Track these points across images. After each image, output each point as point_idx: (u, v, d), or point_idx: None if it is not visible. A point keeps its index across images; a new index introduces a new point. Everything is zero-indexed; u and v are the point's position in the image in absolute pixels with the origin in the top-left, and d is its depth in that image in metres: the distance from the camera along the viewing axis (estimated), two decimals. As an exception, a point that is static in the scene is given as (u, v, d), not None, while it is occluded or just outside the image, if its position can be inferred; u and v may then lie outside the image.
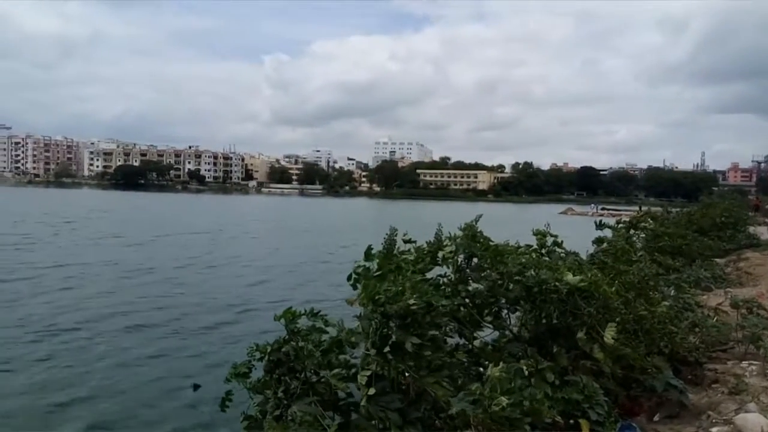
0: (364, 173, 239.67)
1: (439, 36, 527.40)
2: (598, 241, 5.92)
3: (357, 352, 2.90)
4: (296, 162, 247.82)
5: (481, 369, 3.37)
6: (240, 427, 2.92)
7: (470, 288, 3.64)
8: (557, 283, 3.47)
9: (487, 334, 3.63)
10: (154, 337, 12.85)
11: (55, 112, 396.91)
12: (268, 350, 2.83)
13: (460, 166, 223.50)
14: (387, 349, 2.54)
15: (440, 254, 3.70)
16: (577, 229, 15.94)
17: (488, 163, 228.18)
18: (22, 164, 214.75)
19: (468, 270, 3.69)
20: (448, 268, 3.65)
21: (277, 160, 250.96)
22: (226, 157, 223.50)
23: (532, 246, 4.37)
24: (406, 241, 3.68)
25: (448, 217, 4.41)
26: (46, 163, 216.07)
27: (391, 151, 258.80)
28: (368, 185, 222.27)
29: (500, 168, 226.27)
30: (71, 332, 12.71)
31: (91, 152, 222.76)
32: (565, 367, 3.35)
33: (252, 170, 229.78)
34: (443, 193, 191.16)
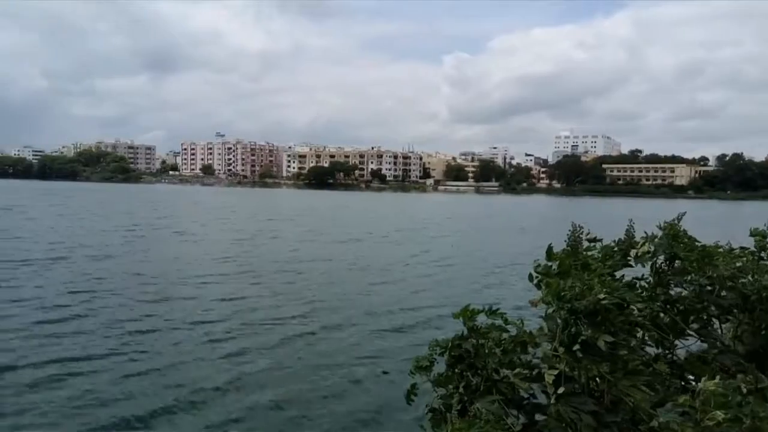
0: (543, 169, 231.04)
1: (633, 19, 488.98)
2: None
3: (540, 353, 2.78)
4: (472, 159, 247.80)
5: (683, 383, 3.02)
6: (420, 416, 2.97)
7: (672, 292, 3.26)
8: (783, 292, 2.97)
9: (691, 343, 3.24)
10: (357, 325, 13.84)
11: (259, 120, 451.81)
12: (448, 345, 2.84)
13: (653, 159, 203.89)
14: (576, 347, 2.39)
15: (632, 253, 3.38)
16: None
17: (687, 156, 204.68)
18: (233, 167, 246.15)
19: (669, 273, 3.32)
20: (644, 266, 3.32)
21: (454, 158, 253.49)
22: (405, 157, 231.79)
23: (747, 248, 3.79)
24: (590, 240, 3.43)
25: (641, 215, 4.03)
26: (252, 166, 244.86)
27: (573, 145, 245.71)
28: (547, 182, 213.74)
29: (702, 161, 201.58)
30: (288, 323, 14.02)
31: (289, 155, 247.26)
32: (793, 390, 2.86)
33: (429, 168, 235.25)
34: (633, 189, 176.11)
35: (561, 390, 2.38)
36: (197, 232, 37.58)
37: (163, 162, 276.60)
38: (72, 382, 9.37)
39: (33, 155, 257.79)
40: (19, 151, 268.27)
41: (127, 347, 11.24)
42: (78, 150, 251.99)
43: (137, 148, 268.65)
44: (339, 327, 13.63)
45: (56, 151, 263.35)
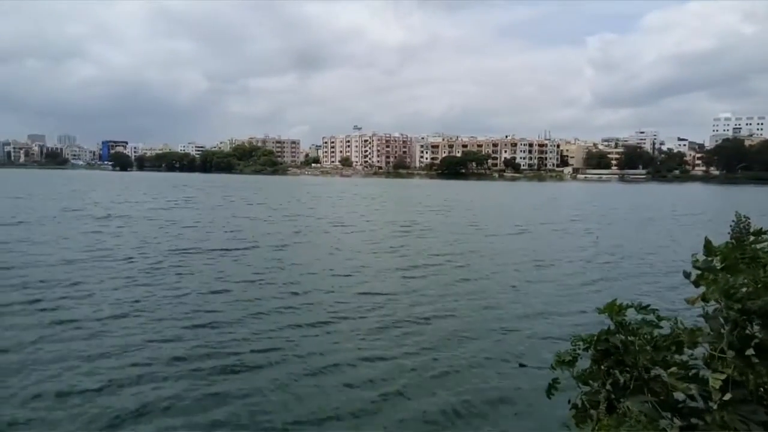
0: (698, 155, 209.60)
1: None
2: None
3: (698, 353, 2.58)
4: (616, 145, 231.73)
5: None
6: (562, 412, 2.88)
7: None
8: None
9: None
10: (504, 317, 13.81)
11: (395, 112, 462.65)
12: (593, 340, 2.73)
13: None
14: (750, 351, 2.18)
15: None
16: None
17: None
18: (369, 158, 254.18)
19: None
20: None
21: (595, 145, 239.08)
22: (541, 145, 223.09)
23: None
24: (755, 233, 3.09)
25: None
26: (387, 157, 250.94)
27: (735, 128, 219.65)
28: (703, 168, 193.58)
29: None
30: (447, 318, 14.11)
31: (422, 146, 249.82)
32: None
33: (567, 156, 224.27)
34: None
35: (728, 396, 2.19)
36: (353, 223, 38.69)
37: (306, 155, 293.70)
38: (239, 378, 9.52)
39: (196, 150, 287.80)
40: (184, 147, 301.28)
41: (296, 342, 11.46)
42: (233, 145, 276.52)
43: (284, 142, 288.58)
44: (485, 320, 13.50)
45: (215, 147, 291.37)
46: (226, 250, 23.83)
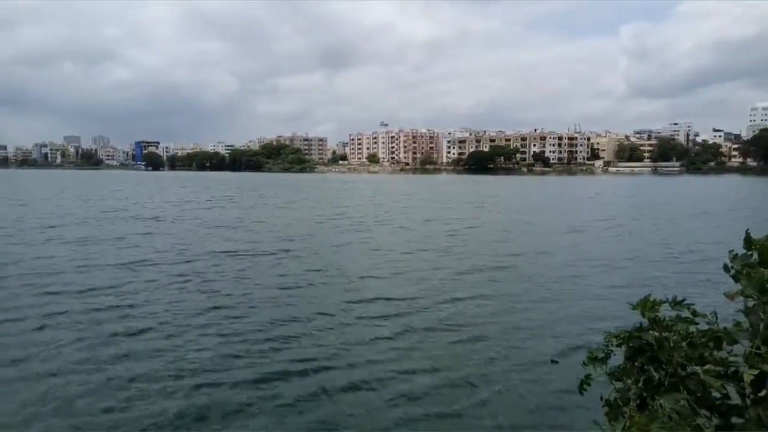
0: (734, 146, 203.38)
1: None
2: None
3: (737, 350, 2.53)
4: (649, 138, 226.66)
5: None
6: (598, 410, 2.85)
7: None
8: None
9: None
10: (540, 312, 13.75)
11: (422, 107, 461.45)
12: (626, 337, 2.70)
13: None
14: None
15: None
16: None
17: None
18: (396, 154, 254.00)
19: None
20: None
21: (627, 137, 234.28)
22: (571, 138, 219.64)
23: None
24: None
25: None
26: (414, 153, 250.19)
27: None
28: (740, 160, 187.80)
29: None
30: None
31: (449, 141, 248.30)
32: None
33: (598, 149, 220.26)
34: None
35: (763, 393, 2.14)
36: (396, 220, 38.19)
37: (333, 152, 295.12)
38: (299, 385, 9.32)
39: (225, 149, 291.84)
40: (214, 146, 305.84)
41: (355, 349, 11.16)
42: (261, 144, 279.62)
43: (311, 140, 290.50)
44: (524, 319, 13.36)
45: (244, 146, 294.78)
46: (274, 251, 23.63)
